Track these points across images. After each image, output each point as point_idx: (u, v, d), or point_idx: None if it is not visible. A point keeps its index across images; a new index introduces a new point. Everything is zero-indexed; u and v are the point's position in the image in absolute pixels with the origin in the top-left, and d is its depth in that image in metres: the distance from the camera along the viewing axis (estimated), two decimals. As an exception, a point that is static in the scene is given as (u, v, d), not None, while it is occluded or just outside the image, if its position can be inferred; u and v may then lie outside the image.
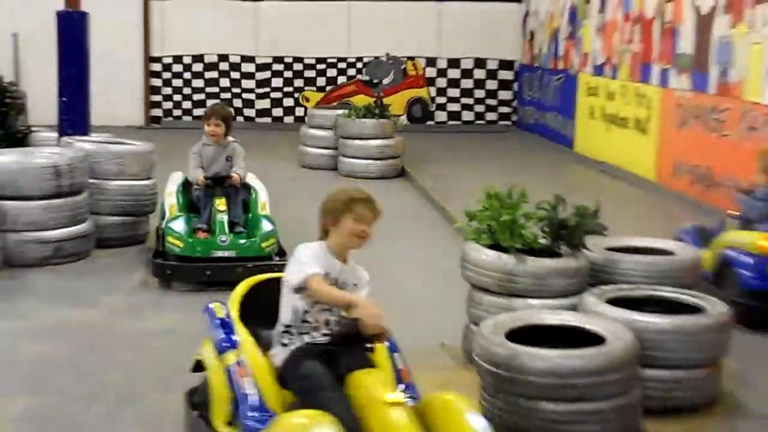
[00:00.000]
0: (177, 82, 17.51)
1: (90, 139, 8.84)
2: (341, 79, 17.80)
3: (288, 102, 17.78)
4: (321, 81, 17.78)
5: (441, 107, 18.00)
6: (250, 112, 17.66)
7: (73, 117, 9.07)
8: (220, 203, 7.13)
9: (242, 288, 4.12)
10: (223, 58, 17.49)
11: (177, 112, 17.59)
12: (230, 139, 7.43)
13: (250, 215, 7.39)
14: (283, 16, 17.31)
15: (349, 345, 3.59)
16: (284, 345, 3.70)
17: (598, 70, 13.85)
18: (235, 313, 3.97)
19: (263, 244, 7.07)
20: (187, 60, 17.44)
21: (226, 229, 7.02)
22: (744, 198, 6.89)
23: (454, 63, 17.82)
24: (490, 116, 18.10)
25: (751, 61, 9.44)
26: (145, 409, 4.91)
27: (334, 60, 17.72)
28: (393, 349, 3.82)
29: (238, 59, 17.53)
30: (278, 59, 17.59)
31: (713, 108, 10.19)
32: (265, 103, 17.74)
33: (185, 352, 5.70)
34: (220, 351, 3.86)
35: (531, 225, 5.43)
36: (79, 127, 9.03)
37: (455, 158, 14.02)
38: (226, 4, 17.20)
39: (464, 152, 14.74)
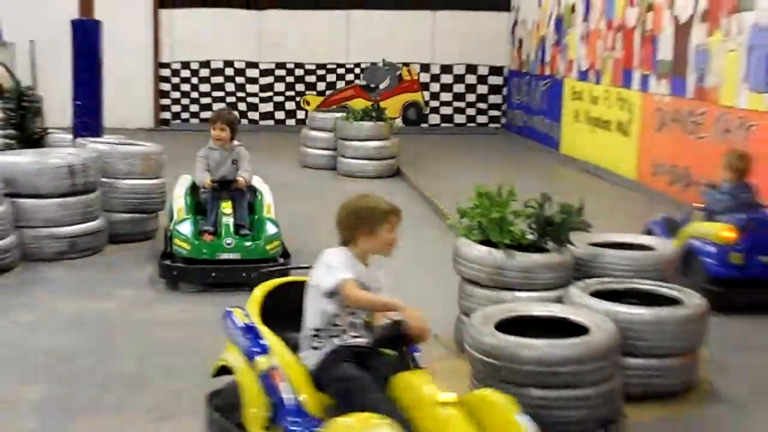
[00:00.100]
0: (185, 87, 17.50)
1: (102, 140, 8.83)
2: (340, 84, 17.80)
3: (290, 105, 17.77)
4: (321, 85, 17.77)
5: (434, 110, 18.01)
6: (254, 115, 17.65)
7: (87, 119, 9.07)
8: (226, 206, 7.00)
9: (260, 292, 4.00)
10: (229, 63, 17.48)
11: (185, 115, 17.58)
12: (236, 143, 7.30)
13: (256, 217, 7.23)
14: (285, 24, 17.30)
15: (390, 347, 3.52)
16: (315, 348, 3.60)
17: (583, 76, 13.86)
18: (257, 318, 3.86)
19: (267, 247, 6.91)
20: (194, 66, 17.43)
21: (232, 232, 6.89)
22: (709, 192, 6.98)
23: (446, 69, 17.82)
24: (481, 119, 18.12)
25: (727, 67, 9.45)
26: (155, 395, 4.91)
27: (334, 66, 17.72)
28: (413, 349, 3.66)
29: (242, 65, 17.52)
30: (280, 65, 17.59)
31: (691, 112, 10.20)
32: (268, 107, 17.74)
33: (193, 342, 5.75)
34: (251, 356, 3.70)
35: (519, 222, 5.44)
36: (93, 129, 9.03)
37: (448, 159, 14.02)
38: (231, 13, 17.19)
39: (456, 153, 14.74)
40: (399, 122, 17.02)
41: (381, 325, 3.56)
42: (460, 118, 18.05)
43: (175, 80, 17.45)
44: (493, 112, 18.12)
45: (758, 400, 5.00)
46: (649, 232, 7.38)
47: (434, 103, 17.98)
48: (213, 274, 6.73)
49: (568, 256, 5.41)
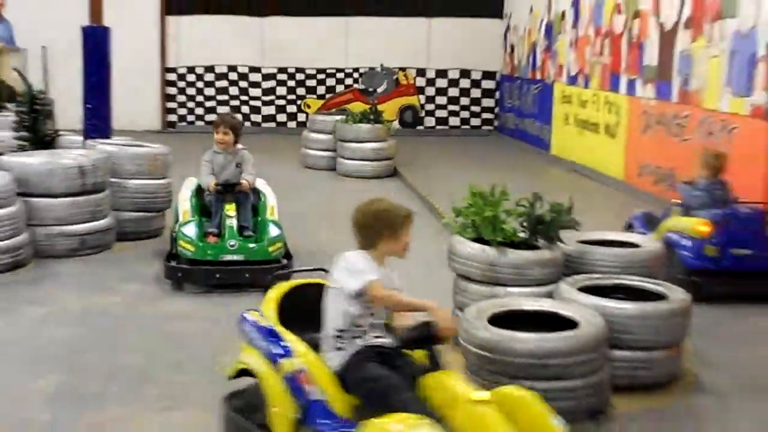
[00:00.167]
0: (190, 91, 17.49)
1: (111, 142, 8.83)
2: (339, 88, 17.80)
3: (291, 108, 17.76)
4: (321, 89, 17.77)
5: (430, 113, 18.01)
6: (256, 118, 17.64)
7: (97, 122, 9.07)
8: (230, 209, 6.88)
9: (276, 294, 3.87)
10: (232, 68, 17.47)
11: (190, 118, 17.57)
12: (239, 146, 7.19)
13: (259, 219, 7.09)
14: (286, 30, 17.29)
15: (417, 347, 3.46)
16: (339, 349, 3.50)
17: (572, 80, 13.87)
18: (275, 320, 3.74)
19: (270, 248, 6.78)
20: (199, 70, 17.42)
21: (236, 234, 6.76)
22: (686, 188, 7.13)
23: (441, 73, 17.82)
24: (474, 122, 18.12)
25: (710, 72, 9.46)
26: (161, 385, 4.91)
27: (333, 70, 17.71)
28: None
29: (245, 69, 17.50)
30: (282, 70, 17.58)
31: (675, 115, 10.21)
32: (270, 110, 17.73)
33: (198, 336, 5.75)
34: (274, 359, 3.57)
35: (511, 220, 5.44)
36: (102, 131, 9.03)
37: (443, 160, 14.02)
38: (235, 20, 17.17)
39: (451, 154, 14.74)
40: (396, 125, 17.03)
41: (410, 326, 3.47)
42: (454, 121, 18.05)
43: (181, 84, 17.44)
44: (486, 115, 18.12)
45: (738, 390, 5.00)
46: (630, 226, 7.57)
47: (429, 107, 17.97)
48: (217, 276, 6.59)
49: (558, 253, 5.42)
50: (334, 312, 3.54)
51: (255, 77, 17.55)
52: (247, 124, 16.97)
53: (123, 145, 8.71)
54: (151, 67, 17.03)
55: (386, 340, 3.55)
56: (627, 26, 11.76)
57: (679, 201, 7.18)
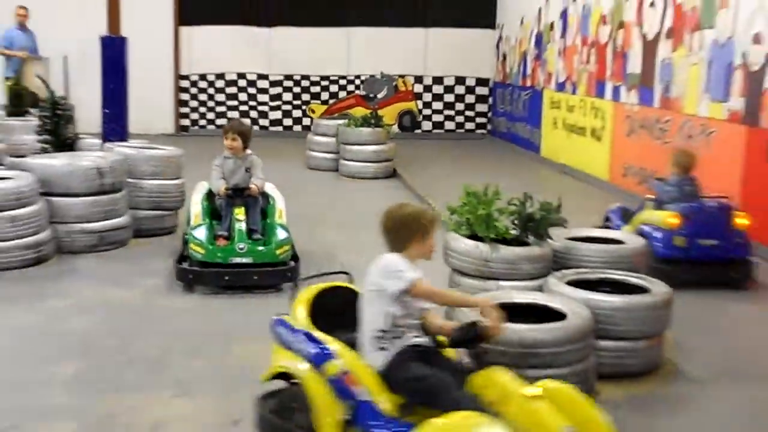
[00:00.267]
0: (202, 97, 17.47)
1: (128, 144, 8.83)
2: (342, 94, 17.78)
3: (297, 113, 17.75)
4: (325, 95, 17.75)
5: (427, 118, 17.99)
6: (264, 122, 17.63)
7: (114, 126, 9.09)
8: (239, 212, 6.69)
9: (305, 298, 3.74)
10: (242, 75, 17.45)
11: (202, 122, 17.55)
12: (249, 152, 6.97)
13: (268, 222, 6.91)
14: (292, 40, 17.27)
15: (465, 346, 3.39)
16: (383, 349, 3.40)
17: (560, 87, 13.86)
18: (310, 324, 3.62)
19: (278, 251, 6.56)
20: (210, 77, 17.40)
21: (245, 237, 6.57)
22: (658, 184, 7.33)
23: (438, 80, 17.81)
24: (469, 126, 18.10)
25: (690, 79, 9.45)
26: (175, 372, 4.91)
27: (336, 77, 17.69)
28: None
29: (254, 77, 17.48)
30: (288, 77, 17.56)
31: (657, 119, 10.20)
32: (277, 114, 17.71)
33: (209, 327, 5.76)
34: (318, 362, 3.45)
35: (503, 218, 5.45)
36: (119, 135, 9.05)
37: (439, 162, 14.01)
38: (244, 30, 17.15)
39: (447, 156, 14.73)
40: (395, 128, 17.02)
41: (457, 326, 3.39)
42: (450, 125, 18.03)
43: (194, 90, 17.42)
44: (480, 120, 18.10)
45: (715, 378, 5.01)
46: (607, 219, 7.75)
47: (427, 111, 17.96)
48: (226, 278, 6.40)
49: (548, 249, 5.42)
50: (374, 313, 3.44)
51: (263, 84, 17.53)
52: (256, 128, 16.91)
53: (139, 147, 8.71)
54: (165, 75, 17.01)
55: (423, 340, 3.46)
56: (612, 36, 11.75)
57: (652, 196, 7.32)
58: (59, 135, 8.42)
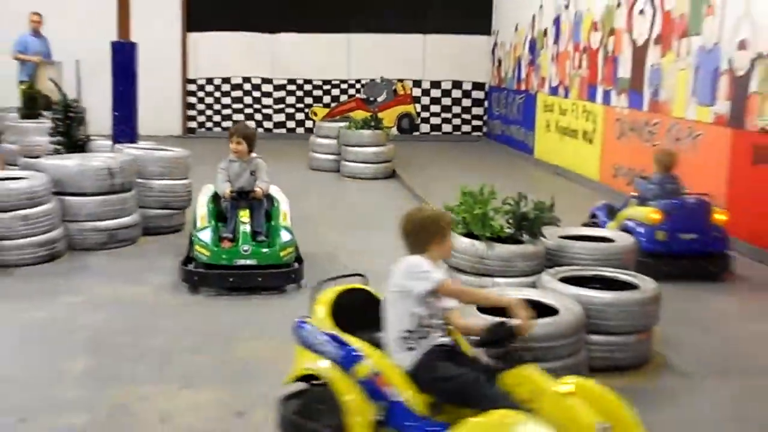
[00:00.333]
0: (209, 100, 17.46)
1: (137, 146, 8.81)
2: (343, 98, 17.77)
3: (299, 116, 17.74)
4: (327, 99, 17.74)
5: (425, 120, 17.98)
6: (268, 125, 17.62)
7: (124, 128, 9.04)
8: (244, 215, 6.54)
9: (326, 300, 3.64)
10: (247, 80, 17.44)
11: (209, 124, 17.54)
12: (254, 155, 6.81)
13: (273, 223, 6.75)
14: (295, 45, 17.26)
15: (495, 346, 3.31)
16: (410, 349, 3.32)
17: (553, 91, 13.85)
18: (333, 326, 3.53)
19: (282, 253, 6.42)
20: (217, 81, 17.39)
21: (249, 239, 6.41)
22: (641, 182, 7.46)
23: (435, 84, 17.80)
24: (465, 128, 18.09)
25: (677, 84, 9.44)
26: (183, 367, 4.90)
27: (338, 82, 17.68)
28: None
29: (258, 81, 17.48)
30: (291, 81, 17.56)
31: (646, 122, 10.20)
32: (280, 117, 17.70)
33: (216, 322, 5.74)
34: (347, 364, 3.36)
35: (498, 217, 5.44)
36: (129, 136, 9.01)
37: (436, 163, 14.01)
38: (249, 36, 17.14)
39: (444, 158, 14.73)
40: (394, 131, 17.02)
41: (489, 325, 3.33)
42: (447, 128, 18.03)
43: (200, 94, 17.41)
44: (476, 122, 18.10)
45: (702, 371, 5.01)
46: (593, 216, 7.83)
47: (425, 114, 17.95)
48: (230, 279, 6.27)
49: (541, 247, 5.41)
50: (399, 314, 3.37)
51: (267, 88, 17.52)
52: (260, 130, 16.94)
53: (148, 149, 8.70)
54: (173, 79, 17.00)
55: (448, 339, 3.40)
56: (603, 42, 11.74)
57: (636, 193, 7.43)
58: (71, 137, 8.41)
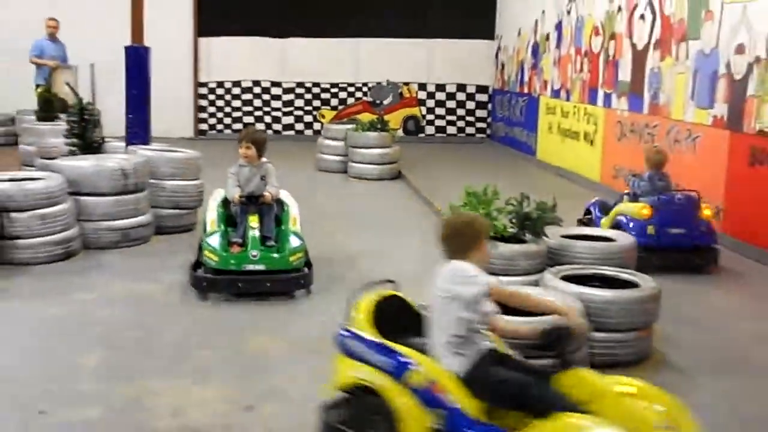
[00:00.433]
0: (219, 103, 17.47)
1: (150, 147, 8.82)
2: (350, 100, 17.76)
3: (308, 118, 17.73)
4: (334, 101, 17.73)
5: (430, 123, 17.96)
6: (277, 127, 17.62)
7: (137, 130, 9.05)
8: (253, 219, 6.36)
9: (367, 306, 3.50)
10: (256, 83, 17.45)
11: (219, 127, 17.55)
12: (264, 160, 6.63)
13: (282, 228, 6.56)
14: (304, 49, 17.26)
15: (549, 349, 3.25)
16: (461, 354, 3.24)
17: (555, 94, 13.83)
18: (377, 334, 3.40)
19: (291, 258, 6.23)
20: (227, 85, 17.40)
21: (258, 245, 6.23)
22: (633, 179, 7.57)
23: (440, 87, 17.78)
24: (469, 130, 18.06)
25: (676, 87, 9.42)
26: (194, 362, 4.91)
27: (345, 85, 17.67)
28: None
29: (268, 84, 17.48)
30: (300, 84, 17.55)
31: (646, 124, 10.17)
32: (289, 119, 17.70)
33: (226, 319, 5.74)
34: (398, 373, 3.23)
35: (502, 217, 5.44)
36: (142, 138, 9.02)
37: (441, 164, 13.99)
38: (259, 41, 17.14)
39: (448, 159, 14.70)
40: (400, 133, 16.99)
41: (547, 329, 3.24)
42: (451, 130, 18.00)
43: (212, 97, 17.42)
44: (480, 125, 18.07)
45: (700, 368, 5.00)
46: (587, 212, 8.01)
47: (430, 117, 17.93)
48: (239, 285, 6.10)
49: (543, 247, 5.41)
50: (447, 320, 3.28)
51: (276, 91, 17.53)
52: (269, 132, 16.96)
53: (160, 150, 8.71)
54: (185, 82, 17.01)
55: (491, 344, 3.34)
56: (604, 46, 11.71)
57: (628, 190, 7.60)
58: (86, 138, 8.42)
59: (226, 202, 6.71)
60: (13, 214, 6.90)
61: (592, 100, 12.07)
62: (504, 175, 12.00)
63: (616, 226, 7.18)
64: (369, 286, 3.64)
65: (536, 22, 14.86)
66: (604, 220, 7.49)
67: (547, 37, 14.25)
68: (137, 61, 9.04)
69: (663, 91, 9.77)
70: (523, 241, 5.36)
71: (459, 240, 3.42)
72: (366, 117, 15.11)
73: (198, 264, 6.40)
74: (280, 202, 6.78)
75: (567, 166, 12.87)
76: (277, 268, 6.19)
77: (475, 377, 3.18)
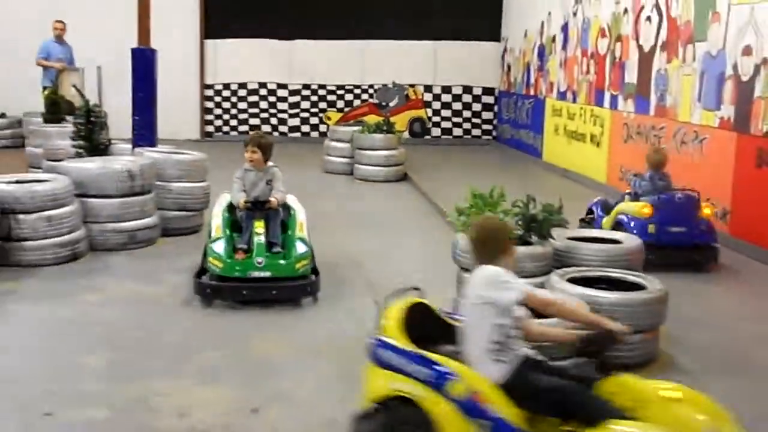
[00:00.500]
0: (226, 105, 17.50)
1: (157, 149, 8.84)
2: (356, 102, 17.77)
3: (314, 120, 17.74)
4: (340, 103, 17.75)
5: (436, 125, 17.96)
6: (283, 128, 17.64)
7: (144, 132, 9.08)
8: (259, 225, 6.20)
9: (397, 316, 3.39)
10: (263, 85, 17.47)
11: (225, 129, 17.57)
12: (270, 164, 6.50)
13: (289, 233, 6.39)
14: (310, 52, 17.28)
15: (587, 354, 3.20)
16: (500, 361, 3.18)
17: (562, 96, 13.81)
18: (409, 343, 3.30)
19: (297, 265, 6.06)
20: (233, 86, 17.43)
21: (263, 251, 6.07)
22: (634, 179, 7.70)
23: (446, 89, 17.77)
24: (475, 132, 18.05)
25: (683, 89, 9.39)
26: (199, 362, 4.91)
27: (351, 87, 17.68)
28: None
29: (274, 86, 17.50)
30: (306, 86, 17.57)
31: (653, 126, 10.15)
32: (295, 121, 17.72)
33: (230, 321, 5.74)
34: (438, 383, 3.14)
35: (508, 219, 5.41)
36: (148, 140, 9.04)
37: (447, 166, 13.98)
38: (266, 43, 17.17)
39: (454, 161, 14.70)
40: (406, 135, 16.99)
41: (588, 335, 3.19)
42: (457, 132, 17.99)
43: (218, 99, 17.45)
44: (486, 126, 18.06)
45: (706, 370, 4.98)
46: (590, 211, 8.12)
47: (436, 119, 17.93)
48: (244, 292, 5.96)
49: (550, 249, 5.39)
50: (483, 326, 3.21)
51: (282, 93, 17.55)
52: (275, 134, 16.98)
53: (167, 152, 8.72)
54: (192, 84, 17.05)
55: (527, 350, 3.30)
56: (610, 48, 11.69)
57: (629, 190, 7.72)
58: (93, 140, 8.44)
59: (231, 207, 6.57)
60: (20, 216, 6.92)
61: (599, 102, 12.05)
62: (510, 177, 11.98)
63: (617, 225, 7.30)
64: (397, 294, 3.55)
65: (542, 23, 14.85)
66: (606, 220, 7.59)
67: (554, 39, 14.24)
68: (144, 63, 9.06)
69: (670, 92, 9.75)
70: (529, 244, 5.34)
71: (490, 244, 3.37)
72: (372, 119, 15.11)
73: (203, 270, 6.26)
74: (286, 207, 6.62)
75: (573, 167, 12.85)
76: (283, 275, 6.04)
77: (516, 385, 3.12)
